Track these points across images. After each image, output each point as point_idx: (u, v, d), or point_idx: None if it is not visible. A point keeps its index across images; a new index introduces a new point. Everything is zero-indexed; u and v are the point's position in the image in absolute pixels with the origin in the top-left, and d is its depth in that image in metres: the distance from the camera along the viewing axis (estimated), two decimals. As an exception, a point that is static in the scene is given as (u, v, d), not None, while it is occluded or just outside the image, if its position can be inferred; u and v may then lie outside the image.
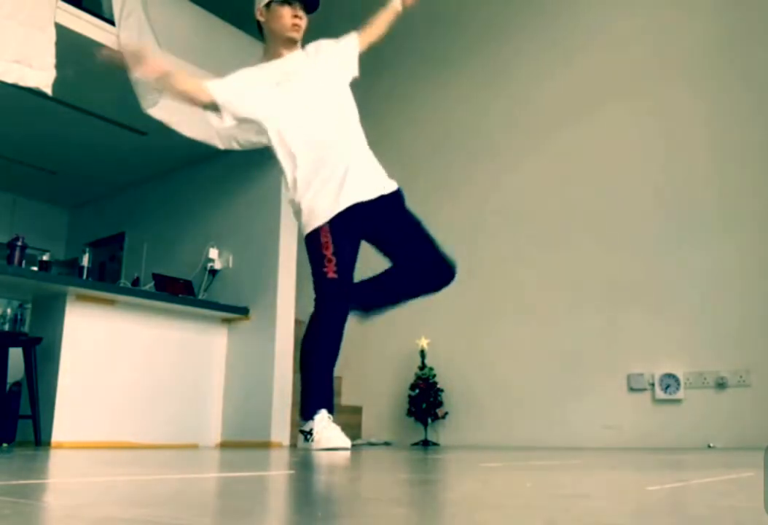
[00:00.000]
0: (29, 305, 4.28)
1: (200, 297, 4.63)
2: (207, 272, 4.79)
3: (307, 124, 2.66)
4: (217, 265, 4.82)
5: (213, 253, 4.83)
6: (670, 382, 3.65)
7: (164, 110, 3.83)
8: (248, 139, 4.35)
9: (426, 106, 4.97)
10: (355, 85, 2.88)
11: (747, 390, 3.45)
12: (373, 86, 5.31)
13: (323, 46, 2.89)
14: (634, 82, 4.09)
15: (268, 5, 2.76)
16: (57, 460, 1.58)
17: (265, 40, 2.85)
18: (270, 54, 2.81)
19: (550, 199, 4.23)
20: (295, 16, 2.73)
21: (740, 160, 3.68)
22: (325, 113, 2.70)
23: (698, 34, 3.95)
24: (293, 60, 2.79)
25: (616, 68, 4.17)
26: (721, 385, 3.51)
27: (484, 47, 4.75)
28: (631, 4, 4.22)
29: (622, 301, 3.87)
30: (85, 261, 4.51)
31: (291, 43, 2.77)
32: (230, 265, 4.77)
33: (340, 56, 2.87)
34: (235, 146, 4.27)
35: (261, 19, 2.79)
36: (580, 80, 4.29)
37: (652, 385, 3.70)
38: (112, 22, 3.71)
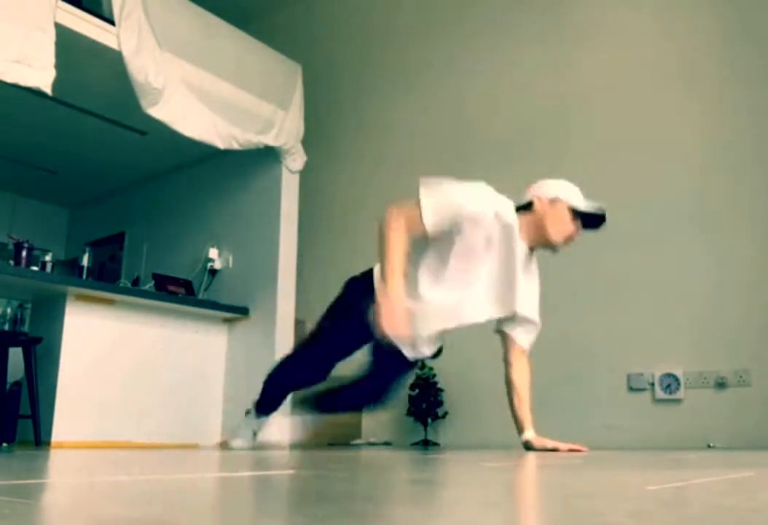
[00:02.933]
0: (29, 305, 4.28)
1: (200, 297, 4.62)
2: (207, 272, 4.79)
3: None
4: (217, 265, 4.82)
5: (213, 252, 4.83)
6: (669, 381, 3.65)
7: (164, 110, 3.83)
8: (248, 139, 4.35)
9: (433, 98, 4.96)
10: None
11: (747, 390, 3.45)
12: (369, 82, 5.31)
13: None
14: (638, 80, 4.09)
15: (554, 200, 2.53)
16: (57, 460, 1.58)
17: (528, 220, 2.55)
18: (532, 238, 2.56)
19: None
20: (576, 234, 2.58)
21: (744, 160, 3.68)
22: None
23: (700, 31, 3.95)
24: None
25: (616, 65, 4.17)
26: (721, 384, 3.51)
27: (482, 45, 4.75)
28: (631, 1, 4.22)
29: (622, 301, 3.86)
30: (85, 261, 4.51)
31: (551, 249, 2.60)
32: (230, 265, 4.77)
33: None
34: (235, 146, 4.27)
35: (538, 206, 2.55)
36: (582, 79, 4.29)
37: (652, 384, 3.70)
38: (112, 22, 3.71)
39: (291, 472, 1.44)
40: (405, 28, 5.20)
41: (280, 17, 5.90)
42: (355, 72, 5.40)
